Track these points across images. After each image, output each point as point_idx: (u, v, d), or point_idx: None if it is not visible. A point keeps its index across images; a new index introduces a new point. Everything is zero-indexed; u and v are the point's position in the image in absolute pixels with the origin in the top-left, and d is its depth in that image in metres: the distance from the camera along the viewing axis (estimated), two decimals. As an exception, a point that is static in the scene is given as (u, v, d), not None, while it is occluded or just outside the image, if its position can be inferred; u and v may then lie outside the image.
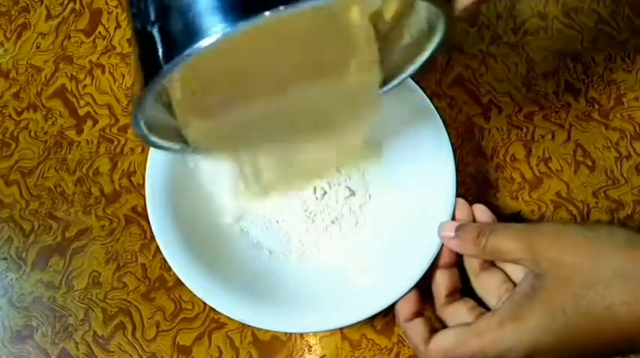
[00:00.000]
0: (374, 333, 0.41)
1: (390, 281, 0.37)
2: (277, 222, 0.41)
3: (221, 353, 0.41)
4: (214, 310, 0.37)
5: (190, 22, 0.22)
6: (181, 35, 0.23)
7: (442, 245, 0.37)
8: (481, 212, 0.38)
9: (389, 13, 0.32)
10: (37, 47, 0.48)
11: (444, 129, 0.40)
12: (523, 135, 0.45)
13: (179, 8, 0.23)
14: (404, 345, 0.41)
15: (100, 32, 0.48)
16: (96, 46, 0.48)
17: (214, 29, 0.22)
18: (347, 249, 0.40)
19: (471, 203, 0.39)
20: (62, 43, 0.48)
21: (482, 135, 0.45)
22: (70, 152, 0.45)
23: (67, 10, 0.49)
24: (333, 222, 0.40)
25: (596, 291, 0.30)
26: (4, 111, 0.46)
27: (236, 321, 0.37)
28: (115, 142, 0.45)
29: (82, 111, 0.46)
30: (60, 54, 0.48)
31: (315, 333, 0.41)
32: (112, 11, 0.49)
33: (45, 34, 0.48)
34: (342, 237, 0.40)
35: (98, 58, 0.47)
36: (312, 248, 0.40)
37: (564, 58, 0.46)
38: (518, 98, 0.46)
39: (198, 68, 0.32)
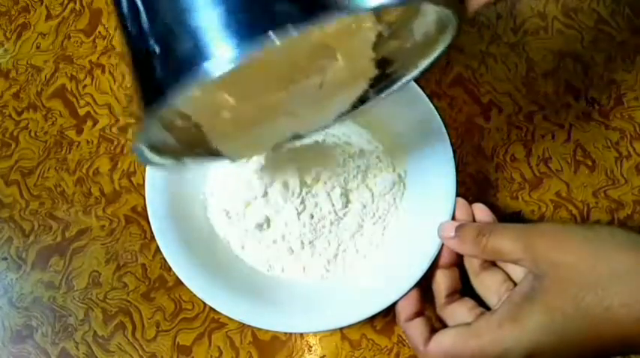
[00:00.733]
0: (374, 333, 0.41)
1: (390, 281, 0.37)
2: (277, 222, 0.41)
3: (221, 353, 0.41)
4: (214, 310, 0.37)
5: (197, 44, 0.20)
6: (186, 59, 0.21)
7: (442, 245, 0.37)
8: (481, 211, 0.38)
9: (390, 18, 0.31)
10: (37, 47, 0.48)
11: (444, 129, 0.40)
12: (523, 135, 0.45)
13: (184, 27, 0.21)
14: (404, 345, 0.41)
15: (100, 32, 0.48)
16: (96, 46, 0.48)
17: (225, 54, 0.20)
18: (347, 249, 0.40)
19: (470, 203, 0.39)
20: (62, 43, 0.48)
21: (482, 135, 0.45)
22: (70, 152, 0.45)
23: (67, 10, 0.49)
24: (333, 223, 0.40)
25: (595, 292, 0.30)
26: (4, 111, 0.46)
27: (236, 321, 0.37)
28: (115, 142, 0.45)
29: (82, 111, 0.46)
30: (60, 54, 0.48)
31: (315, 333, 0.41)
32: (112, 11, 0.49)
33: (45, 34, 0.48)
34: (343, 238, 0.40)
35: (98, 58, 0.47)
36: (312, 248, 0.40)
37: (564, 58, 0.46)
38: (518, 98, 0.46)
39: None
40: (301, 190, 0.39)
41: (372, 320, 0.41)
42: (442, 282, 0.37)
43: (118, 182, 0.44)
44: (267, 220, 0.39)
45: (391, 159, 0.42)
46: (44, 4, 0.49)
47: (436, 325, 0.37)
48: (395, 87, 0.33)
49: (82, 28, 0.48)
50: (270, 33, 0.19)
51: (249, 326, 0.40)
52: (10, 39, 0.48)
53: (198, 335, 0.41)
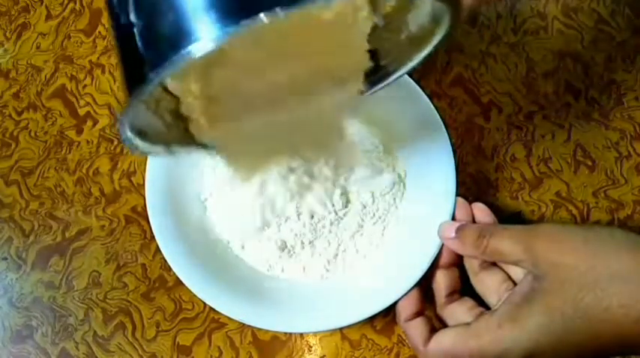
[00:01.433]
0: (374, 333, 0.41)
1: (390, 281, 0.37)
2: (277, 222, 0.41)
3: (221, 353, 0.41)
4: (214, 310, 0.37)
5: (179, 23, 0.20)
6: (168, 39, 0.20)
7: (442, 245, 0.37)
8: (481, 211, 0.38)
9: (385, 9, 0.31)
10: (37, 47, 0.48)
11: (444, 129, 0.40)
12: (523, 135, 0.45)
13: (166, 6, 0.20)
14: (404, 345, 0.41)
15: (100, 32, 0.48)
16: (96, 46, 0.48)
17: (207, 34, 0.19)
18: (347, 249, 0.40)
19: (470, 203, 0.39)
20: (62, 43, 0.48)
21: (482, 135, 0.45)
22: (70, 152, 0.45)
23: (67, 10, 0.49)
24: (333, 223, 0.40)
25: (594, 293, 0.30)
26: (4, 111, 0.46)
27: (236, 321, 0.37)
28: (115, 142, 0.45)
29: (82, 111, 0.46)
30: (60, 54, 0.48)
31: (315, 333, 0.41)
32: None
33: (45, 34, 0.48)
34: (343, 238, 0.40)
35: (98, 58, 0.47)
36: (312, 248, 0.40)
37: (564, 58, 0.46)
38: (518, 98, 0.46)
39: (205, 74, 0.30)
40: (301, 190, 0.39)
41: (372, 320, 0.41)
42: (442, 282, 0.37)
43: (118, 182, 0.44)
44: (267, 221, 0.39)
45: (391, 159, 0.42)
46: (44, 4, 0.49)
47: (436, 325, 0.37)
48: (390, 80, 0.34)
49: (82, 28, 0.48)
50: (260, 15, 0.19)
51: (249, 326, 0.40)
52: (10, 39, 0.48)
53: (198, 335, 0.41)
